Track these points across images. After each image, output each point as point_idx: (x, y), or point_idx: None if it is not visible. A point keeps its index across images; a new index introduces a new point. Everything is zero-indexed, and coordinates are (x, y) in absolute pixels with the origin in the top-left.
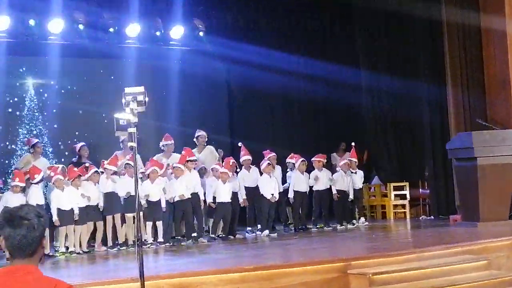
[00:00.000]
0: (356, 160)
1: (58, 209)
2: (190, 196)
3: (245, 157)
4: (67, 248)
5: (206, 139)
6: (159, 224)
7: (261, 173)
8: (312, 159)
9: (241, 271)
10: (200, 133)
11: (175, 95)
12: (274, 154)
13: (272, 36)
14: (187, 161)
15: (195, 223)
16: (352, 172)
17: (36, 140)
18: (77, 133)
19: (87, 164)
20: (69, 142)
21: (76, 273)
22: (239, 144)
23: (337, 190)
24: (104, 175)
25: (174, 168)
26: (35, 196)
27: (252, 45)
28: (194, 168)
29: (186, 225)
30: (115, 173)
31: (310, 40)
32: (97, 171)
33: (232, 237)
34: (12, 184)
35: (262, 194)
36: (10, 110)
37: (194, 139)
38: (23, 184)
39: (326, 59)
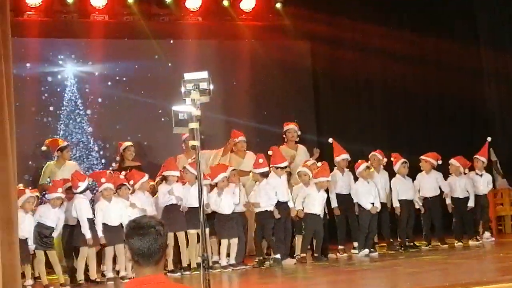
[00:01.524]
0: (485, 160)
1: (105, 225)
2: (271, 208)
3: (342, 156)
4: (117, 272)
5: (298, 133)
6: (233, 242)
7: (356, 178)
8: (421, 157)
9: None
10: (289, 126)
11: (247, 82)
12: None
13: (368, 6)
14: (278, 167)
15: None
16: (477, 174)
17: (65, 143)
18: (125, 130)
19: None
20: (115, 141)
21: None
22: (330, 140)
23: (453, 198)
24: (163, 184)
25: (254, 174)
26: (82, 208)
27: (343, 19)
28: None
29: (270, 242)
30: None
31: (417, 12)
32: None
33: (324, 258)
34: (51, 197)
35: (358, 204)
36: (45, 104)
37: (283, 135)
38: (61, 195)
39: (438, 37)
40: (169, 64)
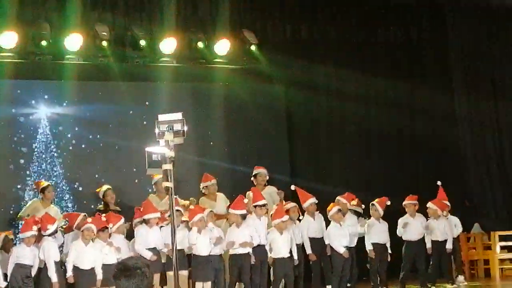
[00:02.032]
0: (448, 203)
1: (77, 268)
2: (249, 251)
3: (309, 201)
4: None
5: (267, 177)
6: (207, 285)
7: (328, 222)
8: (404, 202)
9: None
10: (259, 170)
11: (221, 124)
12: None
13: (342, 51)
14: (255, 206)
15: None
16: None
17: (47, 184)
18: (99, 173)
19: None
20: (88, 183)
21: None
22: (292, 187)
23: (432, 241)
24: (142, 226)
25: (234, 215)
26: (50, 251)
27: (317, 63)
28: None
29: (245, 285)
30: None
31: (392, 57)
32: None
33: None
34: (24, 236)
35: (331, 247)
36: (18, 146)
37: (252, 178)
38: (35, 233)
39: (412, 82)
40: (144, 106)
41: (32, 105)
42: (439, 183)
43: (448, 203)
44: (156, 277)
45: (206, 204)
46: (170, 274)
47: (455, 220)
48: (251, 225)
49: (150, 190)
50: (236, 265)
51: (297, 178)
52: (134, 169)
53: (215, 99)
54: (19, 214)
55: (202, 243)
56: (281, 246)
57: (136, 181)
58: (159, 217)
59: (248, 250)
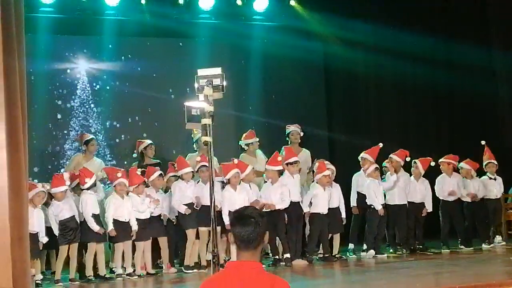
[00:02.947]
0: (496, 163)
1: (115, 221)
2: (287, 206)
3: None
4: (125, 269)
5: (301, 134)
6: None
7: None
8: (440, 160)
9: None
10: (292, 128)
11: (259, 80)
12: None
13: (379, 7)
14: (288, 163)
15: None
16: (490, 178)
17: (91, 136)
18: (137, 128)
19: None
20: (127, 138)
21: None
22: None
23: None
24: (178, 181)
25: (266, 170)
26: (87, 204)
27: (356, 20)
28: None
29: (281, 241)
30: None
31: (430, 13)
32: (161, 174)
33: (334, 258)
34: (55, 191)
35: (369, 205)
36: (58, 102)
37: (286, 137)
38: (66, 187)
39: (449, 37)
40: (183, 62)
41: (71, 60)
42: (483, 142)
43: (496, 163)
44: (192, 232)
45: (246, 161)
46: (202, 229)
47: (500, 181)
48: (284, 184)
49: (187, 144)
50: (271, 223)
51: (334, 132)
52: (173, 124)
53: (253, 56)
54: (64, 170)
55: (237, 199)
56: (321, 202)
57: (175, 136)
58: (192, 172)
59: (282, 207)
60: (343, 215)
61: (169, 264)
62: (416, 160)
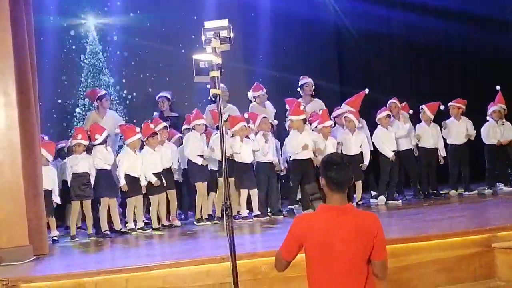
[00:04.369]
0: (505, 108)
1: (127, 176)
2: (311, 156)
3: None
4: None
5: (313, 87)
6: (253, 192)
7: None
8: (449, 103)
9: None
10: (306, 80)
11: (268, 34)
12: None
13: None
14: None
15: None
16: (500, 123)
17: (104, 92)
18: (149, 82)
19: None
20: (138, 92)
21: (153, 252)
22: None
23: (488, 145)
24: (191, 133)
25: (290, 121)
26: (101, 160)
27: None
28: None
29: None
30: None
31: None
32: (166, 126)
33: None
34: (72, 144)
35: (380, 152)
36: (69, 57)
37: (298, 89)
38: (86, 142)
39: None
40: (192, 16)
41: (80, 17)
42: (498, 87)
43: (505, 107)
44: (202, 186)
45: (257, 111)
46: (220, 179)
47: (509, 125)
48: (311, 132)
49: (197, 98)
50: (299, 170)
51: (346, 86)
52: (184, 78)
53: (263, 10)
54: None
55: (245, 151)
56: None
57: (186, 89)
58: (205, 124)
59: (311, 155)
60: (366, 162)
61: (174, 217)
62: (423, 106)
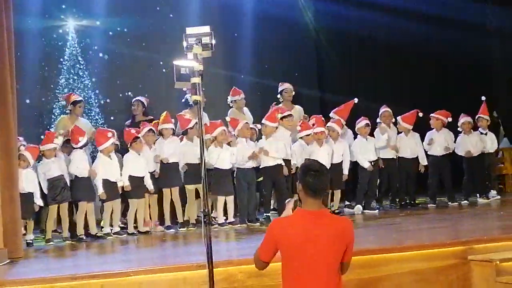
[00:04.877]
0: (488, 118)
1: (105, 180)
2: (281, 162)
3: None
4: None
5: (293, 93)
6: (229, 199)
7: (355, 136)
8: (431, 115)
9: None
10: (285, 86)
11: (248, 37)
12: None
13: None
14: (282, 118)
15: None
16: (481, 133)
17: (80, 98)
18: (126, 86)
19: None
20: (115, 97)
21: (130, 258)
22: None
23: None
24: (160, 138)
25: (263, 125)
26: (79, 163)
27: None
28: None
29: (279, 196)
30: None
31: None
32: (152, 129)
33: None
34: (45, 148)
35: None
36: (47, 59)
37: (278, 95)
38: (56, 146)
39: None
40: (171, 16)
41: (60, 18)
42: (483, 98)
43: (489, 118)
44: (174, 190)
45: (236, 116)
46: (188, 187)
47: (492, 136)
48: (280, 138)
49: (176, 103)
50: (269, 178)
51: (325, 92)
52: (162, 83)
53: (242, 12)
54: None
55: (223, 157)
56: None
57: (164, 94)
58: (173, 128)
59: (280, 161)
60: (345, 171)
61: (157, 223)
62: (398, 118)
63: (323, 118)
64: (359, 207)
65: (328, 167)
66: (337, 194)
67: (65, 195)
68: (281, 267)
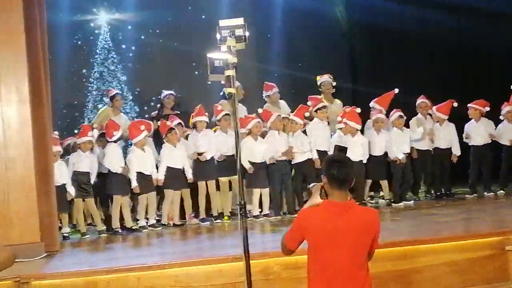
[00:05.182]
0: None
1: (139, 173)
2: (312, 156)
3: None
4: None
5: (333, 85)
6: (265, 192)
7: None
8: (469, 105)
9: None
10: (324, 79)
11: (281, 32)
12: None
13: None
14: (317, 110)
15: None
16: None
17: (115, 92)
18: (159, 78)
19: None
20: (148, 89)
21: (165, 251)
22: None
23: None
24: (194, 131)
25: (292, 120)
26: (114, 156)
27: None
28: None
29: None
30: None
31: None
32: (180, 123)
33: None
34: (81, 141)
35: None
36: (80, 53)
37: (318, 88)
38: (91, 139)
39: None
40: (204, 12)
41: (92, 12)
42: None
43: None
44: (211, 183)
45: (272, 110)
46: (222, 180)
47: None
48: (316, 130)
49: (209, 96)
50: (300, 173)
51: (359, 84)
52: (195, 74)
53: (274, 7)
54: (92, 122)
55: (257, 149)
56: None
57: (196, 87)
58: (206, 121)
59: (311, 155)
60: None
61: (191, 215)
62: (433, 108)
63: (357, 109)
64: (399, 200)
65: (365, 158)
66: (384, 184)
67: (88, 190)
68: (307, 257)
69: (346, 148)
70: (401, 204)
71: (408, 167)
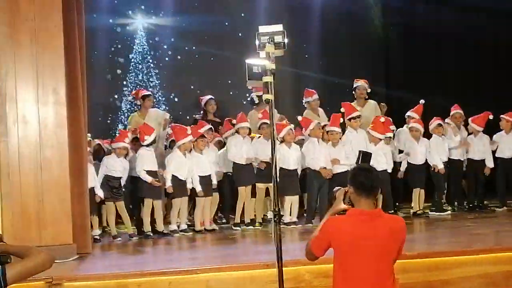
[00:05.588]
0: None
1: (174, 177)
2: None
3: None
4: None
5: (368, 90)
6: (295, 199)
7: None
8: (501, 116)
9: (402, 258)
10: (359, 83)
11: (316, 36)
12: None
13: None
14: (350, 119)
15: None
16: None
17: (148, 92)
18: (194, 84)
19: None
20: (183, 94)
21: (197, 256)
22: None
23: None
24: (235, 136)
25: (329, 132)
26: (146, 161)
27: None
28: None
29: None
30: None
31: None
32: (211, 128)
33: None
34: (116, 146)
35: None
36: (115, 57)
37: (353, 91)
38: (127, 145)
39: None
40: (240, 18)
41: (129, 16)
42: None
43: None
44: (243, 190)
45: (310, 117)
46: (259, 186)
47: None
48: (347, 143)
49: (245, 102)
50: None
51: (393, 89)
52: (230, 81)
53: (311, 11)
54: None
55: (291, 157)
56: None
57: (231, 92)
58: (248, 127)
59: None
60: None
61: (211, 220)
62: (469, 120)
63: (381, 119)
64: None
65: (389, 168)
66: (421, 193)
67: (119, 194)
68: (333, 265)
69: (371, 153)
70: (437, 213)
71: (444, 177)
